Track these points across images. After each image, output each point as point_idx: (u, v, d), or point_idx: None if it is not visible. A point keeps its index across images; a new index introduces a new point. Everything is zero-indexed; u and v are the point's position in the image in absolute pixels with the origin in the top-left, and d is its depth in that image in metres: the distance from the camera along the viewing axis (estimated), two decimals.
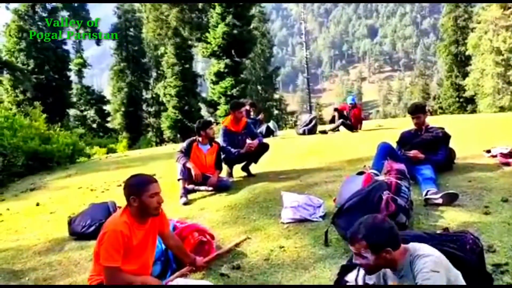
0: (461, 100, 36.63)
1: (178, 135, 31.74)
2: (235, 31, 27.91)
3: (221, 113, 27.51)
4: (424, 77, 75.02)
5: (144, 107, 39.37)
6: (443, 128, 5.23)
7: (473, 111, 32.74)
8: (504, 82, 30.44)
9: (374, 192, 3.54)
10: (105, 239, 2.70)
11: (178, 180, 5.52)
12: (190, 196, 5.50)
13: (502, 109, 29.10)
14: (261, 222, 4.32)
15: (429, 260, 2.16)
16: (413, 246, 2.30)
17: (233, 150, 6.04)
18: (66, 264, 3.92)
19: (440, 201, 4.14)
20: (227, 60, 28.78)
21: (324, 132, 11.07)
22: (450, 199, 4.13)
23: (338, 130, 10.90)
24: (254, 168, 6.37)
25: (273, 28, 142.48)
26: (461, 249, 2.39)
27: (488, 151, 5.82)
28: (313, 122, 11.33)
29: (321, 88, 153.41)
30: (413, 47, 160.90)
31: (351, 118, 10.73)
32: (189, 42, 32.95)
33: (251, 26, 31.59)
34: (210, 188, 5.65)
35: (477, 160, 5.65)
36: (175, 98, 32.83)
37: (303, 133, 11.09)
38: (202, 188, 5.70)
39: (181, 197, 5.38)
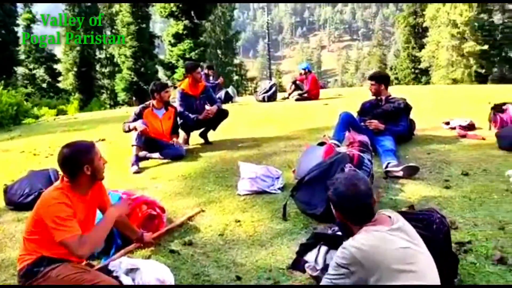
0: (416, 71, 37.46)
1: (134, 98, 30.66)
2: None
3: (179, 76, 26.76)
4: (382, 48, 76.29)
5: (97, 67, 37.56)
6: (404, 99, 5.13)
7: (427, 82, 33.58)
8: (458, 55, 31.33)
9: (336, 164, 3.36)
10: (53, 214, 2.31)
11: (132, 146, 5.16)
12: (142, 164, 5.16)
13: (454, 81, 30.01)
14: (217, 194, 4.09)
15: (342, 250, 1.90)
16: (369, 227, 1.97)
17: (191, 115, 5.74)
18: (0, 238, 3.55)
19: (400, 173, 4.05)
20: (186, 21, 27.80)
21: (285, 98, 10.93)
22: (411, 172, 4.06)
23: (288, 98, 10.85)
24: (211, 135, 6.12)
25: None
26: (428, 228, 2.25)
27: (447, 123, 5.84)
28: (273, 89, 11.14)
29: (281, 55, 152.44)
30: (372, 17, 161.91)
31: (308, 86, 10.47)
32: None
33: None
34: (163, 156, 5.36)
35: (436, 132, 5.67)
36: (131, 59, 31.52)
37: (263, 100, 10.88)
38: (155, 155, 5.39)
39: (132, 165, 5.03)
